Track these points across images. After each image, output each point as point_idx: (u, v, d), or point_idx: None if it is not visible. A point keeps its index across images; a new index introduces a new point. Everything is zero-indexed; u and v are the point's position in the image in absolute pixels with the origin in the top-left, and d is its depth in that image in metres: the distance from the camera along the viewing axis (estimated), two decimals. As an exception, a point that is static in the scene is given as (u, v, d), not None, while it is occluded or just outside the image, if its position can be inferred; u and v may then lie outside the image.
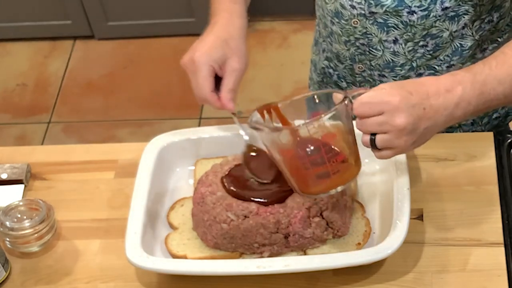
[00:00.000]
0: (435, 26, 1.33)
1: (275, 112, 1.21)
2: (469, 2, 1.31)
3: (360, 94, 1.12)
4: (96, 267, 1.31)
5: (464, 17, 1.33)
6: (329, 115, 1.11)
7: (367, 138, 1.13)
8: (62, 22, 3.14)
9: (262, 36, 3.09)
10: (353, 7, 1.34)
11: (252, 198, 1.24)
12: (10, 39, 3.20)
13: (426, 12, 1.31)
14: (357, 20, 1.35)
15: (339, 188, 1.17)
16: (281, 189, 1.25)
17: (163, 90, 2.97)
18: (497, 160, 1.37)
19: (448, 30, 1.34)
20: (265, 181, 1.26)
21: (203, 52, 1.29)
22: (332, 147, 1.14)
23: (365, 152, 1.37)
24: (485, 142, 1.40)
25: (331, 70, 1.50)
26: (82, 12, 3.08)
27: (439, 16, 1.32)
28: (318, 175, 1.16)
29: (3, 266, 1.29)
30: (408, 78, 1.41)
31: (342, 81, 1.49)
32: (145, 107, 2.93)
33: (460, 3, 1.31)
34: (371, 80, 1.44)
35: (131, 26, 3.12)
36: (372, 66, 1.42)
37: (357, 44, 1.40)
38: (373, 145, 1.13)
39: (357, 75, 1.45)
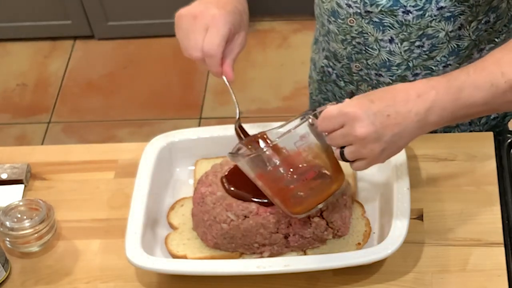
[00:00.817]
0: (431, 26, 1.33)
1: (263, 141, 1.21)
2: (465, 3, 1.31)
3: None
4: (96, 267, 1.31)
5: (460, 18, 1.33)
6: (283, 137, 1.11)
7: (337, 151, 1.13)
8: (62, 22, 3.14)
9: (262, 36, 3.09)
10: (349, 5, 1.34)
11: (252, 198, 1.24)
12: (10, 39, 3.19)
13: (422, 12, 1.31)
14: (353, 19, 1.36)
15: (321, 205, 1.17)
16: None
17: (163, 90, 2.97)
18: (497, 160, 1.37)
19: (444, 30, 1.34)
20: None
21: (225, 13, 1.25)
22: (301, 165, 1.14)
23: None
24: (485, 142, 1.40)
25: (330, 69, 1.50)
26: (82, 12, 3.08)
27: (435, 16, 1.32)
28: (295, 194, 1.16)
29: (3, 266, 1.29)
30: (405, 78, 1.41)
31: (341, 80, 1.49)
32: (145, 107, 2.93)
33: (456, 3, 1.30)
34: (368, 79, 1.44)
35: (131, 26, 3.12)
36: (368, 65, 1.42)
37: (354, 43, 1.40)
38: (343, 158, 1.13)
39: (354, 74, 1.45)
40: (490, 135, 1.41)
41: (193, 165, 1.40)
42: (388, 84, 1.43)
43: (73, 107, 2.97)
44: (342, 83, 1.50)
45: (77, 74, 3.08)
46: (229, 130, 1.39)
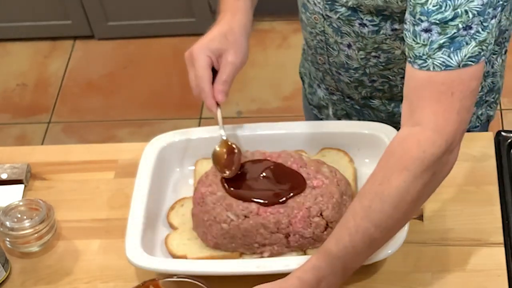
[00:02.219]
0: (386, 43, 1.33)
1: None
2: None
3: None
4: (96, 267, 1.31)
5: None
6: None
7: None
8: (62, 22, 3.14)
9: (262, 36, 3.09)
10: (314, 3, 1.35)
11: (252, 198, 1.24)
12: (10, 39, 3.19)
13: (377, 28, 1.31)
14: (317, 17, 1.36)
15: None
16: (281, 190, 1.25)
17: (163, 90, 2.97)
18: (497, 160, 1.37)
19: (399, 48, 1.34)
20: (227, 174, 1.28)
21: (201, 44, 1.30)
22: None
23: (366, 152, 1.37)
24: (485, 142, 1.40)
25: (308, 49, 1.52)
26: (82, 12, 3.08)
27: (389, 35, 1.32)
28: None
29: (3, 266, 1.29)
30: (362, 82, 1.42)
31: (312, 65, 1.51)
32: (145, 107, 2.93)
33: None
34: (330, 73, 1.45)
35: (131, 26, 3.12)
36: (330, 62, 1.43)
37: (318, 38, 1.41)
38: None
39: (319, 65, 1.47)
40: (490, 135, 1.42)
41: (193, 165, 1.40)
42: (347, 84, 1.44)
43: (73, 107, 2.97)
44: (314, 71, 1.51)
45: (77, 74, 3.08)
46: (229, 130, 1.39)
